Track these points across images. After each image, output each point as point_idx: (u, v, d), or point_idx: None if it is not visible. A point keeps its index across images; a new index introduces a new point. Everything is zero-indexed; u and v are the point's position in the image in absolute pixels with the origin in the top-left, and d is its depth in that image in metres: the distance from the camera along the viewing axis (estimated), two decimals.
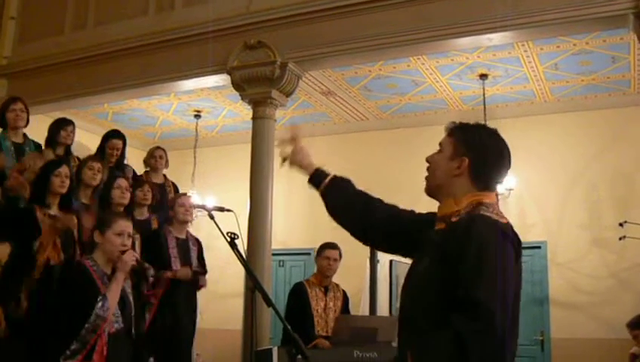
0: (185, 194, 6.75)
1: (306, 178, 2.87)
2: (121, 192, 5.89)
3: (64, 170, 5.27)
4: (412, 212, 2.68)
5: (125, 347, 4.11)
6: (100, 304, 3.89)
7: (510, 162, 2.45)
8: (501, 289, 2.10)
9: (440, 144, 2.49)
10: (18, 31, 10.24)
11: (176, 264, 6.13)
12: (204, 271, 6.48)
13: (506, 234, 2.22)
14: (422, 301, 2.27)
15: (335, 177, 2.80)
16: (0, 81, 9.96)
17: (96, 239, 4.20)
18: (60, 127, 6.69)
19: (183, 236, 6.36)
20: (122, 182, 5.97)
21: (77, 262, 4.30)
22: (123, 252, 4.17)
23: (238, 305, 10.92)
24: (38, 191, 5.22)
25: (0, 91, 9.79)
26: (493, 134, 2.46)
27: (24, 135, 6.31)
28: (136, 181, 6.76)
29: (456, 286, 2.12)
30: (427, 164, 2.51)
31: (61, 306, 4.03)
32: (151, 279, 5.74)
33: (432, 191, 2.48)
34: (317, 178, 2.82)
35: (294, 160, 2.90)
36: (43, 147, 6.62)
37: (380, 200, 2.72)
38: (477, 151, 2.39)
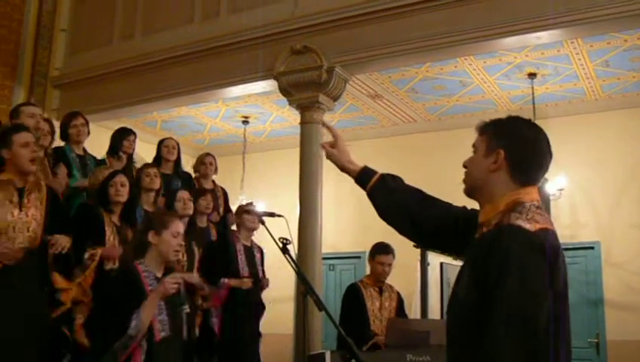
0: (251, 203, 6.86)
1: (353, 179, 2.79)
2: (184, 204, 6.00)
3: (119, 178, 5.35)
4: (465, 210, 2.57)
5: (175, 353, 4.12)
6: (133, 323, 3.83)
7: (550, 151, 2.32)
8: (525, 309, 2.01)
9: (473, 145, 2.41)
10: (69, 43, 10.43)
11: (243, 270, 6.20)
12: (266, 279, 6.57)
13: (535, 245, 2.09)
14: (459, 315, 2.21)
15: (382, 176, 2.71)
16: (52, 92, 10.16)
17: (150, 240, 4.18)
18: (123, 137, 6.83)
19: (248, 243, 6.45)
20: (184, 194, 6.08)
21: (129, 266, 4.33)
22: (177, 253, 4.22)
23: (288, 310, 10.96)
24: (101, 202, 5.32)
25: (53, 102, 9.99)
26: (527, 123, 2.35)
27: (84, 148, 6.46)
28: (199, 190, 6.83)
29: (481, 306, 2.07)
30: (464, 169, 2.42)
31: (105, 311, 4.08)
32: (204, 291, 5.81)
33: (470, 191, 2.39)
34: (364, 177, 2.74)
35: (337, 161, 2.84)
36: (104, 157, 6.76)
37: (430, 198, 2.64)
38: (511, 141, 2.29)
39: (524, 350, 1.99)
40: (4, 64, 9.72)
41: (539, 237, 2.12)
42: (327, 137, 7.88)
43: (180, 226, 4.27)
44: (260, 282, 6.39)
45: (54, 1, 10.45)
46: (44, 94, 10.06)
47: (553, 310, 2.07)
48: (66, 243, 4.71)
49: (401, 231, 2.67)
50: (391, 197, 2.66)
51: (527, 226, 2.13)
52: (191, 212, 6.09)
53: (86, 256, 4.94)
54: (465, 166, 2.42)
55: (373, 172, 2.74)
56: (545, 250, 2.10)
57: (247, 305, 6.25)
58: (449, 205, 2.61)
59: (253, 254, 6.47)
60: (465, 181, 2.41)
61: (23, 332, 4.44)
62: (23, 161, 4.57)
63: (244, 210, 6.45)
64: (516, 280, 2.03)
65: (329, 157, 2.85)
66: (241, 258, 6.27)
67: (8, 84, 9.75)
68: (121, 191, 5.31)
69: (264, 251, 6.67)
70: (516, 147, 2.29)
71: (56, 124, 6.75)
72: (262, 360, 6.57)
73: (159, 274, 4.12)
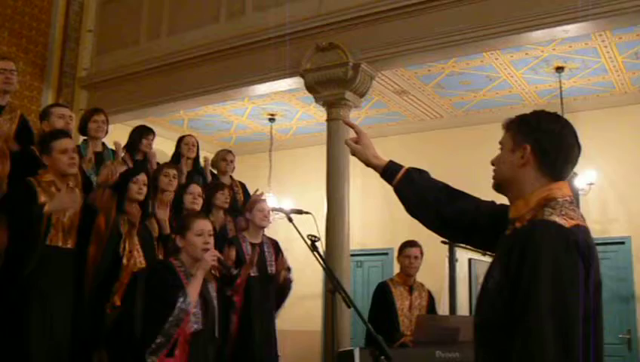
0: (262, 198, 6.67)
1: (379, 173, 2.77)
2: (193, 198, 5.98)
3: (142, 177, 5.36)
4: (494, 205, 2.55)
5: (207, 348, 4.19)
6: (182, 299, 4.02)
7: (578, 144, 2.30)
8: (559, 309, 1.99)
9: (500, 142, 2.40)
10: (96, 43, 10.51)
11: (252, 271, 6.07)
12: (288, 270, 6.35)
13: (570, 242, 2.07)
14: (490, 312, 2.20)
15: (408, 170, 2.70)
16: (80, 93, 10.26)
17: (178, 243, 4.32)
18: (142, 135, 6.84)
19: (257, 241, 6.22)
20: (195, 188, 6.06)
21: (164, 260, 4.41)
22: (206, 251, 4.28)
23: (316, 307, 10.99)
24: (118, 199, 5.32)
25: (81, 102, 10.07)
26: (552, 116, 2.33)
27: (103, 144, 6.45)
28: (216, 185, 6.82)
29: (514, 302, 2.05)
30: (493, 167, 2.40)
31: (148, 302, 4.17)
32: (234, 272, 5.79)
33: (499, 187, 2.37)
34: (390, 172, 2.72)
35: (361, 157, 2.82)
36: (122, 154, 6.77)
37: (458, 192, 2.62)
38: (537, 135, 2.26)
39: (560, 347, 1.96)
40: (32, 65, 9.81)
41: (573, 233, 2.10)
42: (352, 133, 7.89)
43: (203, 224, 4.36)
44: (271, 279, 6.21)
45: (81, 2, 10.54)
46: (71, 95, 10.16)
47: (587, 307, 2.05)
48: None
49: (429, 225, 2.65)
50: (417, 192, 2.64)
51: (562, 222, 2.11)
52: (198, 207, 6.03)
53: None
54: (493, 163, 2.40)
55: (399, 166, 2.72)
56: (579, 246, 2.08)
57: (264, 302, 6.13)
58: (477, 199, 2.59)
59: (263, 251, 6.26)
60: (494, 178, 2.39)
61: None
62: (62, 166, 4.76)
63: (255, 206, 6.25)
64: (551, 276, 2.01)
65: (353, 153, 2.85)
66: (249, 258, 6.03)
67: (37, 86, 9.85)
68: (144, 189, 5.32)
69: (280, 244, 6.50)
70: (542, 141, 2.26)
71: None
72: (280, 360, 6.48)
73: (193, 272, 4.22)
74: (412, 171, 2.69)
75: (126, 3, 10.37)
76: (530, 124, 2.31)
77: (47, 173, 4.79)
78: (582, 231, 2.14)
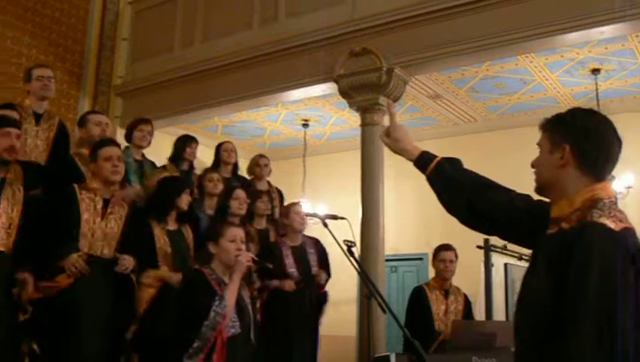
0: (298, 202, 6.77)
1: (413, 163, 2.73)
2: (239, 203, 6.01)
3: (188, 189, 5.50)
4: (530, 199, 2.48)
5: (243, 352, 4.21)
6: (217, 302, 4.05)
7: (619, 140, 2.26)
8: (607, 313, 1.95)
9: (538, 144, 2.37)
10: (130, 51, 10.63)
11: (293, 275, 6.13)
12: (327, 271, 6.45)
13: (619, 247, 2.03)
14: (533, 314, 2.16)
15: (441, 160, 2.65)
16: (115, 100, 10.37)
17: (211, 250, 4.34)
18: (186, 144, 6.89)
19: (297, 243, 6.34)
20: (240, 194, 6.08)
21: (195, 269, 4.44)
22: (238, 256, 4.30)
23: (351, 312, 10.97)
24: (161, 205, 5.37)
25: (116, 110, 10.19)
26: (588, 113, 2.29)
27: (143, 154, 6.54)
28: (256, 192, 6.85)
29: (560, 302, 2.02)
30: (533, 169, 2.38)
31: (182, 309, 4.21)
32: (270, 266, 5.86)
33: (541, 189, 2.34)
34: (423, 162, 2.68)
35: (395, 147, 2.80)
36: (163, 163, 6.85)
37: (490, 183, 2.57)
38: (575, 134, 2.23)
39: (608, 349, 1.93)
40: (69, 74, 9.95)
41: (623, 236, 2.07)
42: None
43: (235, 231, 4.40)
44: (312, 278, 6.28)
45: (116, 11, 10.67)
46: (107, 102, 10.28)
47: (636, 311, 2.01)
48: (131, 266, 4.81)
49: (459, 216, 2.60)
50: (449, 182, 2.60)
51: (612, 225, 2.07)
52: (244, 212, 6.08)
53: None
54: (533, 166, 2.38)
55: (432, 156, 2.69)
56: (629, 250, 2.05)
57: (299, 304, 6.17)
58: (511, 192, 2.53)
59: (305, 252, 6.36)
60: (536, 181, 2.37)
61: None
62: (105, 173, 4.80)
63: (291, 210, 6.39)
64: (600, 278, 1.98)
65: (386, 144, 2.82)
66: (289, 262, 6.17)
67: (74, 94, 9.98)
68: (185, 199, 5.41)
69: (322, 243, 6.54)
70: (580, 139, 2.23)
71: (120, 131, 6.89)
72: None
73: (226, 280, 4.23)
74: (444, 161, 2.65)
75: (160, 11, 10.47)
76: (566, 123, 2.29)
77: (93, 181, 4.85)
78: (630, 234, 2.11)
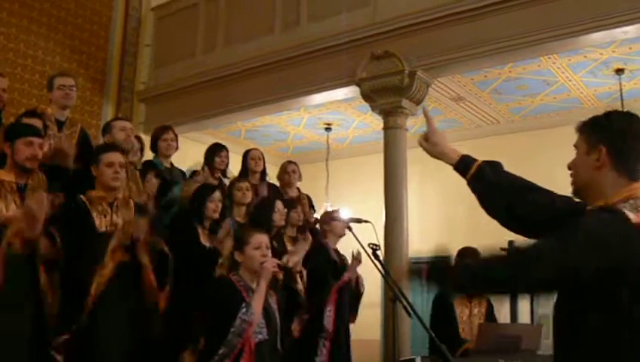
0: (337, 210, 6.93)
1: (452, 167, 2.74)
2: (281, 215, 6.09)
3: (217, 195, 5.49)
4: (569, 201, 2.47)
5: (271, 359, 4.22)
6: (244, 309, 4.05)
7: None
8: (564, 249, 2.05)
9: (575, 146, 2.38)
10: (153, 57, 10.69)
11: (348, 276, 6.30)
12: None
13: (630, 229, 2.06)
14: (560, 313, 2.21)
15: (481, 165, 2.65)
16: (139, 106, 10.44)
17: (237, 258, 4.36)
18: (215, 153, 6.93)
19: (334, 247, 6.58)
20: (280, 205, 6.18)
21: (222, 276, 4.45)
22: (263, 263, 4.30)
23: (375, 315, 10.93)
24: (195, 215, 5.42)
25: (139, 116, 10.24)
26: (624, 115, 2.32)
27: (171, 162, 6.59)
28: (289, 202, 6.87)
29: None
30: (570, 171, 2.39)
31: (208, 314, 4.25)
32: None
33: (579, 191, 2.36)
34: (463, 166, 2.69)
35: (434, 151, 2.80)
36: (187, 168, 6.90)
37: (533, 187, 2.55)
38: (610, 136, 2.26)
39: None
40: (92, 81, 10.02)
41: (635, 228, 2.08)
42: (409, 141, 7.84)
43: (260, 238, 4.40)
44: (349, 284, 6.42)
45: (138, 17, 10.74)
46: (130, 109, 10.34)
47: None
48: (145, 227, 4.77)
49: (502, 220, 2.61)
50: (491, 186, 2.60)
51: (630, 215, 2.10)
52: (284, 223, 6.17)
53: None
54: (569, 168, 2.39)
55: (472, 160, 2.69)
56: (632, 242, 2.07)
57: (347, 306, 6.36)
58: (554, 194, 2.52)
59: (341, 257, 6.59)
60: (573, 183, 2.38)
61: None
62: (107, 179, 4.73)
63: (333, 217, 6.50)
64: (584, 230, 2.07)
65: (425, 149, 2.82)
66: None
67: (97, 100, 10.05)
68: (219, 207, 5.44)
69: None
70: (616, 141, 2.25)
71: (144, 138, 6.93)
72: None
73: (253, 286, 4.24)
74: (485, 165, 2.65)
75: (182, 17, 10.51)
76: (602, 125, 2.31)
77: (97, 189, 4.79)
78: None
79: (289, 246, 6.45)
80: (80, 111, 9.43)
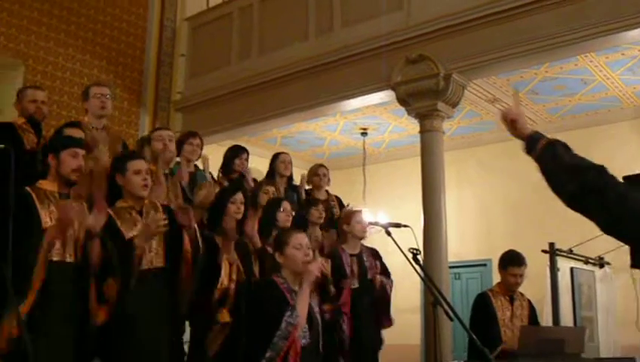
0: (360, 210, 6.75)
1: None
2: (286, 215, 5.99)
3: (239, 196, 5.43)
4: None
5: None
6: (288, 313, 4.01)
7: None
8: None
9: None
10: (188, 67, 10.78)
11: (352, 283, 6.11)
12: (388, 277, 6.40)
13: None
14: None
15: (550, 141, 2.66)
16: (175, 116, 10.52)
17: (278, 260, 4.31)
18: (235, 155, 6.91)
19: (356, 251, 6.31)
20: (287, 205, 6.06)
21: (266, 278, 4.45)
22: (307, 263, 4.25)
23: (415, 320, 10.89)
24: (215, 217, 5.41)
25: (176, 125, 10.32)
26: None
27: (195, 165, 6.58)
28: (311, 200, 6.86)
29: None
30: None
31: (253, 318, 4.22)
32: (332, 291, 5.85)
33: None
34: (531, 143, 2.70)
35: (514, 129, 2.79)
36: (216, 175, 6.89)
37: (595, 168, 2.53)
38: None
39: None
40: (129, 91, 10.14)
41: None
42: (446, 142, 7.84)
43: (300, 238, 4.34)
44: (373, 287, 6.24)
45: (173, 28, 10.84)
46: (167, 118, 10.44)
47: None
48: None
49: (562, 199, 2.56)
50: (553, 165, 2.60)
51: None
52: (289, 224, 6.05)
53: None
54: None
55: (540, 137, 2.71)
56: None
57: (369, 310, 6.19)
58: (612, 179, 2.48)
59: (363, 260, 6.32)
60: None
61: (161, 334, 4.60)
62: (135, 187, 4.72)
63: (353, 218, 6.34)
64: None
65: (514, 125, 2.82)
66: (349, 269, 6.14)
67: (134, 111, 10.17)
68: (241, 208, 5.39)
69: (378, 252, 6.53)
70: None
71: None
72: None
73: (296, 288, 4.21)
74: (553, 142, 2.67)
75: (216, 27, 10.59)
76: None
77: (124, 200, 4.77)
78: None
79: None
80: (118, 122, 9.55)
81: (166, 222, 4.47)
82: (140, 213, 4.75)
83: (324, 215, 6.65)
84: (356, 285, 6.11)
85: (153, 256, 4.69)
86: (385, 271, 6.45)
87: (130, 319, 4.46)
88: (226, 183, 6.53)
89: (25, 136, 5.60)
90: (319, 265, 4.22)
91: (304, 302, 4.10)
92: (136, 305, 4.48)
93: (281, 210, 5.94)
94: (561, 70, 8.74)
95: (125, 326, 4.44)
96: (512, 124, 2.75)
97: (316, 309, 4.39)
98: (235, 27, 10.24)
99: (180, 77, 10.76)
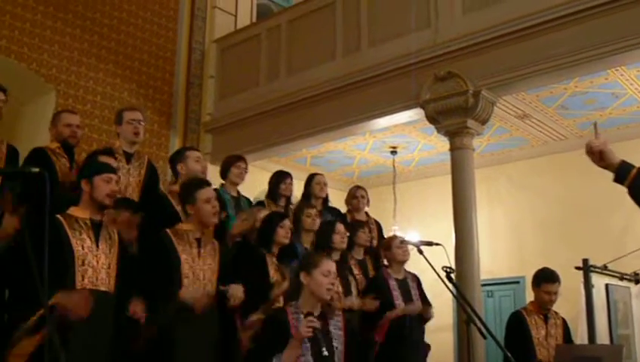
0: (397, 236, 6.79)
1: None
2: (341, 237, 6.02)
3: (288, 222, 5.52)
4: None
5: None
6: (275, 359, 3.93)
7: None
8: None
9: None
10: (217, 88, 10.85)
11: (400, 305, 6.11)
12: (429, 304, 6.45)
13: None
14: None
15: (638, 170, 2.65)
16: (205, 137, 10.59)
17: (302, 280, 4.22)
18: (280, 180, 6.95)
19: (401, 276, 6.35)
20: (342, 227, 6.08)
21: (279, 310, 4.41)
22: (329, 291, 4.19)
23: (448, 338, 10.80)
24: (264, 241, 5.46)
25: (206, 146, 10.39)
26: None
27: (238, 191, 6.63)
28: (357, 223, 6.84)
29: None
30: None
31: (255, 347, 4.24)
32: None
33: None
34: (621, 173, 2.73)
35: (601, 160, 2.84)
36: (257, 198, 6.95)
37: None
38: None
39: None
40: (159, 114, 10.23)
41: None
42: (476, 160, 7.80)
43: (330, 265, 4.26)
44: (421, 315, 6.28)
45: (202, 50, 10.94)
46: (197, 139, 10.50)
47: None
48: (242, 294, 4.80)
49: None
50: None
51: None
52: (345, 246, 6.09)
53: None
54: None
55: (629, 166, 2.73)
56: None
57: (411, 342, 6.16)
58: None
59: (408, 286, 6.36)
60: None
61: None
62: (206, 215, 4.81)
63: (394, 243, 6.39)
64: None
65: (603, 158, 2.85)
66: (396, 294, 6.16)
67: (164, 133, 10.25)
68: (289, 234, 5.46)
69: (419, 278, 6.56)
70: None
71: (210, 168, 7.00)
72: None
73: (316, 313, 4.15)
74: None
75: (244, 48, 10.66)
76: None
77: (187, 223, 4.86)
78: None
79: (355, 271, 6.37)
80: (148, 144, 9.63)
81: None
82: (199, 240, 4.80)
83: (370, 237, 6.69)
84: (416, 310, 6.19)
85: (206, 284, 4.72)
86: (425, 299, 6.47)
87: (173, 344, 4.47)
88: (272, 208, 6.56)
89: (58, 160, 5.65)
90: (310, 327, 3.95)
91: (290, 353, 3.96)
92: (181, 330, 4.49)
93: (336, 231, 5.98)
94: (591, 84, 8.67)
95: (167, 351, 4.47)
96: (600, 156, 2.74)
97: (339, 332, 4.24)
98: (263, 48, 10.30)
99: (210, 98, 10.83)
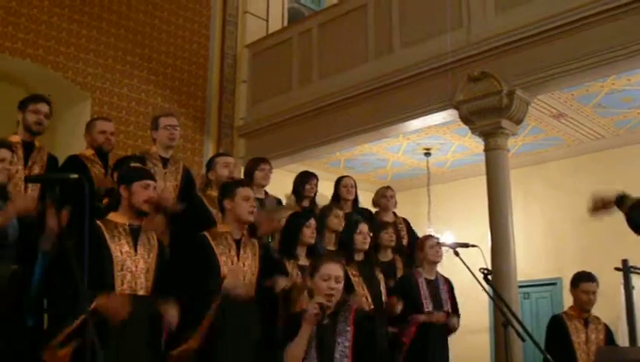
0: (432, 236, 6.75)
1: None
2: (364, 238, 5.99)
3: (313, 222, 5.52)
4: None
5: None
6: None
7: None
8: None
9: None
10: (250, 93, 10.90)
11: (427, 306, 6.09)
12: (457, 314, 6.38)
13: None
14: None
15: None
16: (239, 141, 10.65)
17: (308, 284, 4.29)
18: (305, 181, 6.95)
19: (432, 277, 6.31)
20: (365, 228, 6.07)
21: (297, 313, 4.40)
22: (329, 296, 4.14)
23: (483, 341, 10.71)
24: (288, 241, 5.46)
25: (240, 150, 10.44)
26: None
27: (265, 191, 6.64)
28: (380, 224, 6.82)
29: None
30: None
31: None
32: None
33: None
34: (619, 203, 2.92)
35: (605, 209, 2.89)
36: (283, 200, 6.94)
37: None
38: None
39: None
40: (193, 119, 10.29)
41: None
42: (512, 161, 7.71)
43: (331, 268, 4.21)
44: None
45: (234, 55, 11.00)
46: (231, 144, 10.57)
47: None
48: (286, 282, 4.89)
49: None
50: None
51: None
52: (367, 246, 6.04)
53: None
54: None
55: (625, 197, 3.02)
56: None
57: (438, 344, 6.13)
58: None
59: (438, 288, 6.32)
60: None
61: None
62: (243, 213, 4.85)
63: (426, 243, 6.37)
64: None
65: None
66: (424, 293, 6.13)
67: (198, 138, 10.31)
68: (315, 234, 5.46)
69: (452, 283, 6.53)
70: None
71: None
72: None
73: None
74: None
75: (276, 52, 10.70)
76: None
77: (224, 224, 4.89)
78: None
79: (376, 273, 6.30)
80: (183, 149, 9.70)
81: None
82: (238, 242, 4.83)
83: (394, 238, 6.64)
84: (442, 319, 6.15)
85: (247, 285, 4.74)
86: (455, 305, 6.42)
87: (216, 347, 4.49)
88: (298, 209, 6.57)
89: (93, 167, 5.71)
90: (316, 306, 4.00)
91: (298, 345, 3.99)
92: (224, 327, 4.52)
93: (358, 232, 5.96)
94: (628, 82, 8.54)
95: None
96: (605, 207, 2.88)
97: (347, 328, 4.24)
98: (294, 52, 10.33)
99: (243, 103, 10.88)
